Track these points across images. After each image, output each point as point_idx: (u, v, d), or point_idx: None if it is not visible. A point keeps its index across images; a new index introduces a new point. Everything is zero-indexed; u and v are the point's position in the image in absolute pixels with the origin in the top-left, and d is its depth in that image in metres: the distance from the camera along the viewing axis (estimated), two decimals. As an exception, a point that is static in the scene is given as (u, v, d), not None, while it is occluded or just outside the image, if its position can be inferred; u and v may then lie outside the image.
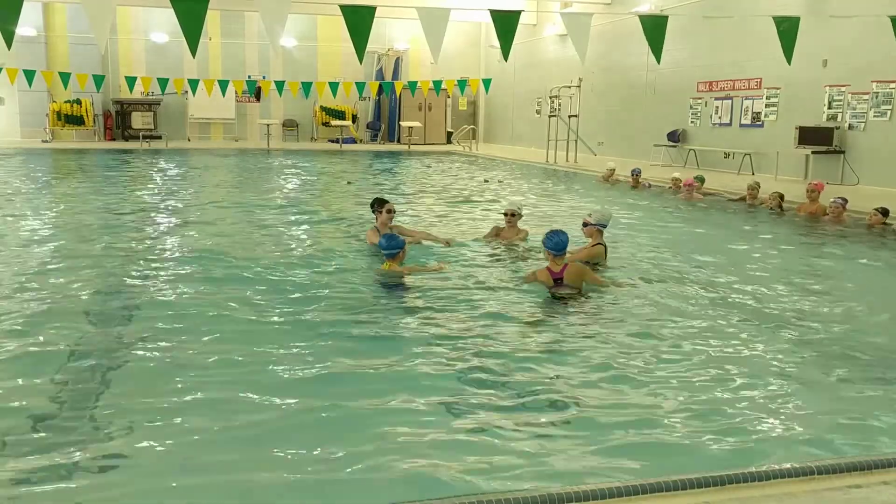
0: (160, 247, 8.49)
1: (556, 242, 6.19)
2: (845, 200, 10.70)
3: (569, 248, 6.44)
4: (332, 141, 28.13)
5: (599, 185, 15.75)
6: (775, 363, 4.83)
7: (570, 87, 21.82)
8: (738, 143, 17.46)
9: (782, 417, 4.01)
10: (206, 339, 5.12)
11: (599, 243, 7.35)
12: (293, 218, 10.88)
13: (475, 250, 8.09)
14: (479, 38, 30.03)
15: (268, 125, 26.80)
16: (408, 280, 6.51)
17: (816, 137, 14.96)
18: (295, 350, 4.93)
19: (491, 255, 7.86)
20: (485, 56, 30.35)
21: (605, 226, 7.45)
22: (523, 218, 8.66)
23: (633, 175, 15.36)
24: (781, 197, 11.67)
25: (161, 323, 5.47)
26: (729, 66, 17.70)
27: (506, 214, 8.47)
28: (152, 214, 11.08)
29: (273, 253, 8.04)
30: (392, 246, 6.48)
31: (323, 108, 29.02)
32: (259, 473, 3.35)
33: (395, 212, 8.21)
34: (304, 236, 9.33)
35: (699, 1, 18.23)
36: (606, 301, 6.19)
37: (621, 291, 6.46)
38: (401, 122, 28.78)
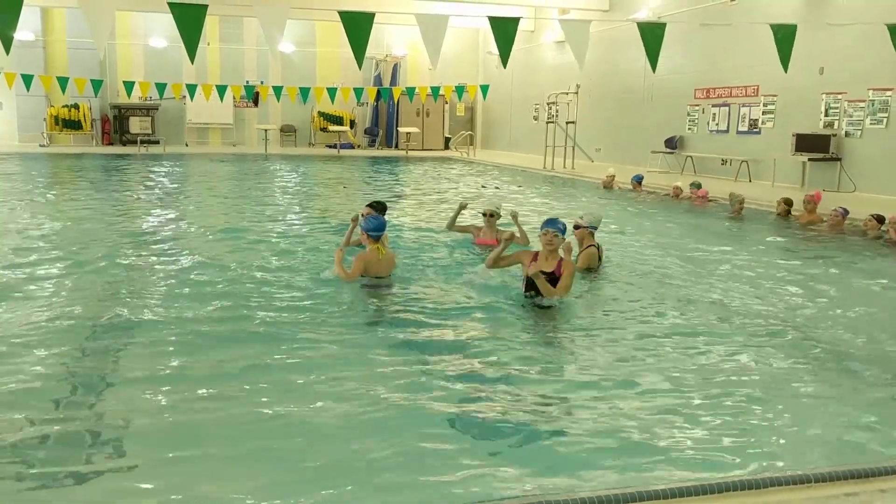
0: (156, 250, 8.47)
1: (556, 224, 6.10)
2: (846, 211, 10.68)
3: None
4: (330, 146, 28.17)
5: (599, 192, 15.76)
6: (771, 371, 4.84)
7: (567, 93, 21.88)
8: (736, 150, 17.50)
9: (778, 425, 4.01)
10: (201, 343, 5.11)
11: (592, 245, 7.36)
12: (289, 222, 10.88)
13: (455, 255, 8.12)
14: (478, 44, 30.10)
15: (266, 130, 26.83)
16: (392, 285, 6.50)
17: (813, 144, 15.00)
18: (288, 353, 4.93)
19: (470, 259, 7.84)
20: (483, 62, 30.42)
21: (596, 228, 7.45)
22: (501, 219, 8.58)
23: (633, 181, 15.41)
24: (787, 202, 11.61)
25: (157, 327, 5.47)
26: (726, 73, 17.76)
27: (484, 215, 8.26)
28: (149, 219, 11.07)
29: (269, 257, 8.03)
30: (379, 227, 6.47)
31: (321, 114, 29.06)
32: (256, 477, 3.35)
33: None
34: (300, 240, 9.31)
35: (697, 8, 18.30)
36: (600, 305, 6.20)
37: (616, 297, 6.47)
38: (399, 128, 28.83)
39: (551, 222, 6.13)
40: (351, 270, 6.41)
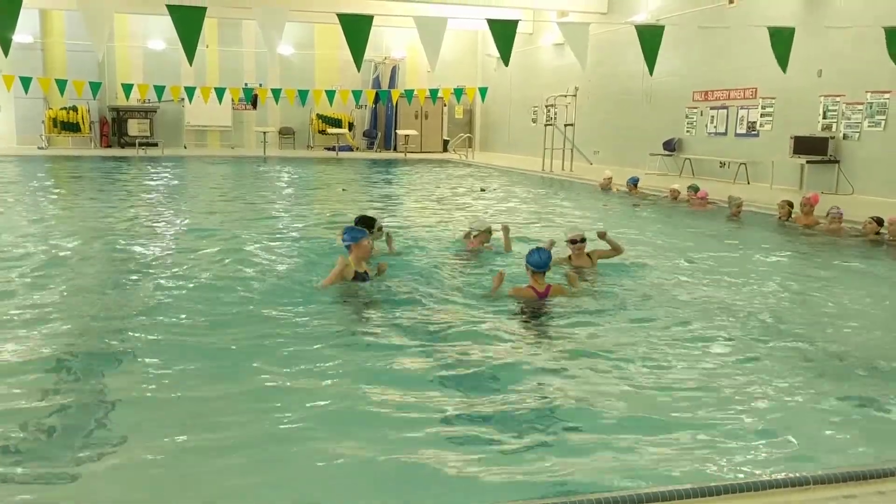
0: (153, 254, 8.46)
1: (536, 260, 6.14)
2: (841, 213, 10.68)
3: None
4: (329, 149, 28.17)
5: (596, 194, 15.78)
6: (769, 372, 4.84)
7: (566, 96, 21.90)
8: (734, 153, 17.51)
9: (776, 427, 4.01)
10: (195, 346, 5.12)
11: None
12: (288, 224, 10.88)
13: (448, 258, 8.15)
14: (476, 46, 30.13)
15: (264, 133, 26.83)
16: (382, 291, 6.50)
17: (811, 147, 15.02)
18: (286, 354, 4.93)
19: (462, 265, 7.87)
20: (481, 64, 30.44)
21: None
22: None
23: (629, 184, 15.41)
24: (790, 205, 11.61)
25: (152, 329, 5.47)
26: (724, 75, 17.78)
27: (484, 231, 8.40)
28: (146, 221, 11.06)
29: (268, 259, 8.03)
30: (349, 238, 6.49)
31: (319, 116, 29.06)
32: (249, 480, 3.35)
33: (382, 228, 8.17)
34: (299, 242, 9.32)
35: (695, 11, 18.32)
36: (597, 308, 6.20)
37: (613, 299, 6.48)
38: (397, 130, 28.84)
39: (531, 259, 6.21)
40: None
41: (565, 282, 6.56)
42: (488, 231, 8.41)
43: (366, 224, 7.63)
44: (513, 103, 28.23)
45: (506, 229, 8.59)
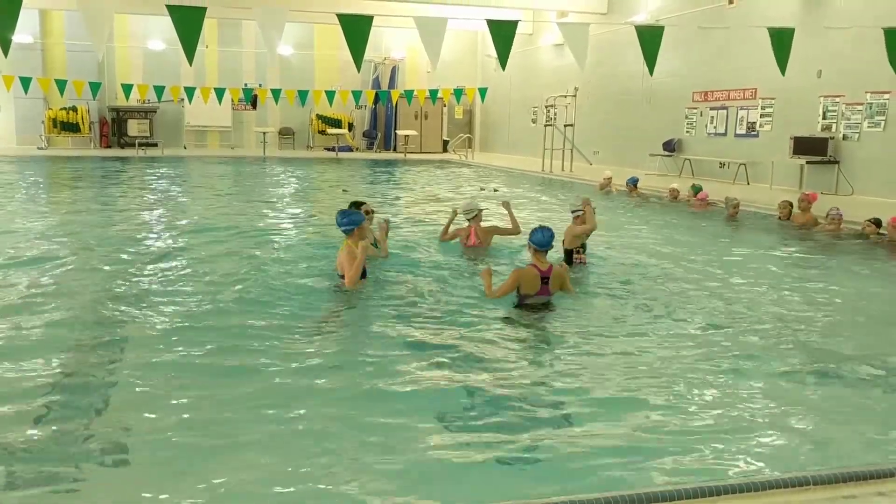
0: (152, 255, 8.46)
1: (539, 238, 6.11)
2: (841, 214, 10.68)
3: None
4: (329, 149, 28.17)
5: (596, 194, 15.76)
6: (768, 372, 4.84)
7: (565, 96, 21.91)
8: (733, 153, 17.51)
9: (776, 427, 4.01)
10: (194, 348, 5.12)
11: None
12: (289, 225, 10.88)
13: (444, 257, 8.16)
14: (476, 46, 30.13)
15: (264, 133, 26.83)
16: (385, 289, 6.48)
17: (811, 148, 15.02)
18: (286, 355, 4.93)
19: (460, 262, 7.89)
20: (481, 64, 30.44)
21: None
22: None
23: (628, 184, 15.41)
24: (791, 205, 11.63)
25: (151, 331, 5.47)
26: (724, 76, 17.78)
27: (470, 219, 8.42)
28: (145, 222, 11.06)
29: (268, 260, 8.02)
30: (350, 222, 6.38)
31: (319, 117, 29.06)
32: (248, 481, 3.35)
33: (373, 212, 8.17)
34: (299, 243, 9.32)
35: (695, 11, 18.32)
36: (596, 308, 6.20)
37: (612, 300, 6.48)
38: (397, 131, 28.84)
39: (535, 237, 6.18)
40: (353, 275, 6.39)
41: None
42: (479, 211, 8.37)
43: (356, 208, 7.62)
44: (512, 104, 28.23)
45: (507, 204, 8.61)
